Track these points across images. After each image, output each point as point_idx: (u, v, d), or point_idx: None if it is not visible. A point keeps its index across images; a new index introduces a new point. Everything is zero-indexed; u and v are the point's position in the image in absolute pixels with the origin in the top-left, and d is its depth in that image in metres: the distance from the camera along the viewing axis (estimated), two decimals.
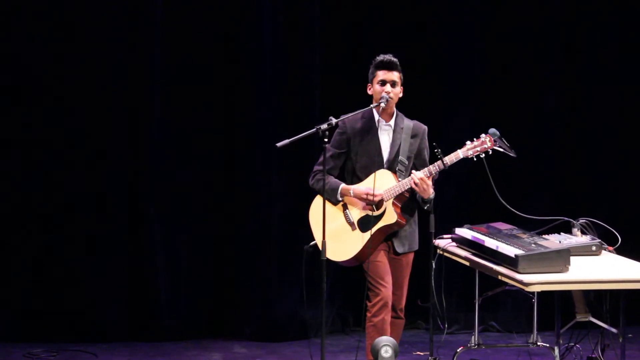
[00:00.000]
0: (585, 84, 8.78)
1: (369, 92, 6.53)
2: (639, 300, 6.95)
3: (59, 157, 8.20)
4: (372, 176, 6.35)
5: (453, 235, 6.64)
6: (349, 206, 6.45)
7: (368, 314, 6.36)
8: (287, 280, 8.40)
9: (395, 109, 6.52)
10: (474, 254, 6.33)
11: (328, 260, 6.15)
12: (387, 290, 6.35)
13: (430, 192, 6.34)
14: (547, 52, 8.69)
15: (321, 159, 6.28)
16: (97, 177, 8.24)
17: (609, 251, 6.43)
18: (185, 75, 8.35)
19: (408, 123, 6.53)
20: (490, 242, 6.13)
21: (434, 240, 6.57)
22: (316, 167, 6.52)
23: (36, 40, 8.14)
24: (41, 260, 8.19)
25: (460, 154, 6.32)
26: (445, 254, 6.68)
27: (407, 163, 6.46)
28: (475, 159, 6.33)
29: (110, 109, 8.26)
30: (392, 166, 6.45)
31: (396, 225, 6.39)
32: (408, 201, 6.45)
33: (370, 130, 6.48)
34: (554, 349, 6.83)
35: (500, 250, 5.98)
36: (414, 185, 6.30)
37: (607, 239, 6.47)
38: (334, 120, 6.18)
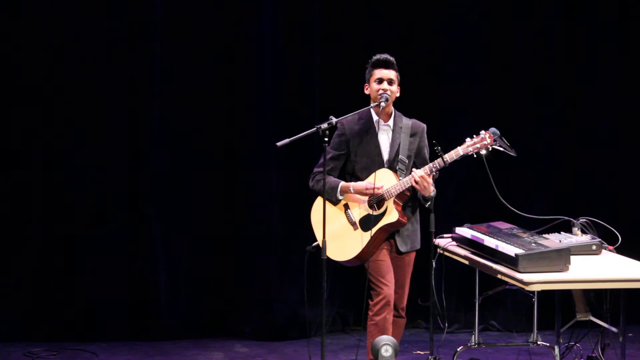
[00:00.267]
0: (585, 84, 8.78)
1: (366, 92, 6.53)
2: (639, 299, 6.96)
3: (59, 157, 8.20)
4: (372, 175, 6.35)
5: (453, 235, 6.64)
6: (350, 206, 6.45)
7: (370, 313, 6.36)
8: (287, 279, 8.40)
9: (393, 108, 6.53)
10: (474, 253, 6.33)
11: (328, 259, 6.16)
12: (389, 289, 6.35)
13: (431, 190, 6.34)
14: (547, 52, 8.69)
15: (321, 160, 6.28)
16: (97, 177, 8.24)
17: (609, 250, 6.43)
18: (185, 75, 8.34)
19: (407, 122, 6.53)
20: (490, 241, 6.13)
21: (434, 240, 6.57)
22: (316, 169, 6.52)
23: (36, 40, 8.14)
24: (41, 260, 8.19)
25: (460, 150, 6.32)
26: (446, 253, 6.68)
27: (407, 162, 6.46)
28: (475, 156, 6.33)
29: (110, 109, 8.26)
30: (392, 166, 6.45)
31: (398, 224, 6.39)
32: (409, 200, 6.46)
33: (369, 130, 6.48)
34: (554, 348, 6.85)
35: (500, 249, 5.98)
36: (414, 184, 6.30)
37: (607, 238, 6.47)
38: (334, 120, 6.18)
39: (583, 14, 8.75)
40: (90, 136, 8.24)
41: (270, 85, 8.42)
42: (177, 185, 8.37)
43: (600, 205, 8.36)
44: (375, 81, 6.46)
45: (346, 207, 6.46)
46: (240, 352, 8.07)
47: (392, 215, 6.36)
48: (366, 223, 6.37)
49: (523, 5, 8.68)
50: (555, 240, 6.18)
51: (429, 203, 6.39)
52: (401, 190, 6.36)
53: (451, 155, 6.32)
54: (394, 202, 6.37)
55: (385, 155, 6.47)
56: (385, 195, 6.36)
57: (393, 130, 6.49)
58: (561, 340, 6.90)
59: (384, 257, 6.43)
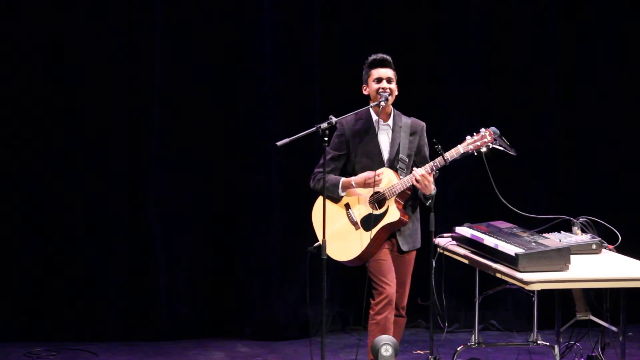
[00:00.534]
0: (585, 84, 8.78)
1: (365, 93, 6.53)
2: (639, 298, 6.95)
3: (59, 157, 8.20)
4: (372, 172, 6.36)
5: (453, 234, 6.64)
6: (351, 206, 6.45)
7: (371, 312, 6.36)
8: (288, 279, 8.40)
9: (392, 107, 6.53)
10: (474, 253, 6.33)
11: (329, 259, 6.16)
12: (391, 288, 6.35)
13: (432, 189, 6.34)
14: (547, 51, 8.69)
15: (321, 161, 6.28)
16: (97, 177, 8.24)
17: (609, 250, 6.43)
18: (185, 75, 8.34)
19: (406, 121, 6.53)
20: (490, 241, 6.13)
21: (434, 239, 6.57)
22: (316, 170, 6.52)
23: (35, 40, 8.14)
24: (41, 260, 8.19)
25: (460, 149, 6.32)
26: (446, 252, 6.68)
27: (407, 161, 6.46)
28: (476, 154, 6.33)
29: (110, 109, 8.26)
30: (392, 165, 6.45)
31: (399, 223, 6.39)
32: (410, 199, 6.46)
33: (369, 130, 6.48)
34: (554, 348, 6.85)
35: (500, 248, 5.99)
36: (415, 182, 6.30)
37: (607, 238, 6.47)
38: (334, 119, 6.18)
39: (583, 13, 8.74)
40: (90, 136, 8.24)
41: (270, 85, 8.41)
42: (177, 185, 8.37)
43: (600, 204, 8.37)
44: (373, 81, 6.46)
45: (347, 207, 6.46)
46: (241, 352, 8.07)
47: (393, 214, 6.36)
48: (368, 222, 6.37)
49: (523, 5, 8.68)
50: (555, 239, 6.18)
51: (430, 201, 6.39)
52: (402, 189, 6.36)
53: (452, 154, 6.32)
54: (395, 201, 6.37)
55: (386, 155, 6.48)
56: (387, 195, 6.36)
57: (393, 130, 6.49)
58: (561, 340, 6.89)
59: (385, 256, 6.43)
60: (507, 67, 8.72)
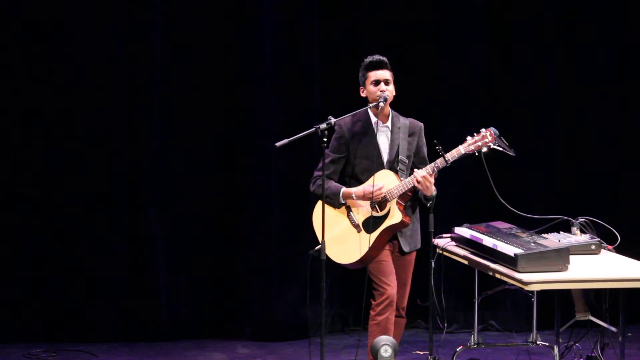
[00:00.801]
0: (585, 84, 8.78)
1: (363, 95, 6.51)
2: (639, 298, 6.96)
3: (59, 157, 8.20)
4: (371, 178, 6.34)
5: (452, 235, 6.64)
6: (352, 208, 6.44)
7: (372, 313, 6.35)
8: (288, 280, 8.40)
9: (390, 109, 6.52)
10: (473, 253, 6.33)
11: (328, 260, 6.16)
12: (392, 289, 6.35)
13: (433, 190, 6.34)
14: (547, 51, 8.69)
15: (320, 164, 6.27)
16: (97, 176, 8.24)
17: (609, 250, 6.43)
18: (184, 76, 8.35)
19: (404, 121, 6.52)
20: (489, 241, 6.13)
21: (433, 240, 6.57)
22: (316, 173, 6.50)
23: (35, 39, 8.14)
24: (41, 260, 8.19)
25: (461, 149, 6.31)
26: (445, 253, 6.68)
27: (407, 162, 6.46)
28: (476, 154, 6.33)
29: (111, 109, 8.26)
30: (392, 167, 6.45)
31: (401, 224, 6.38)
32: (410, 199, 6.45)
33: (368, 132, 6.47)
34: (553, 348, 6.85)
35: (499, 249, 5.98)
36: (416, 184, 6.29)
37: (606, 238, 6.47)
38: (333, 120, 6.18)
39: (583, 13, 8.74)
40: (90, 136, 8.24)
41: (269, 85, 8.41)
42: (177, 185, 8.37)
43: (599, 205, 8.36)
44: (371, 83, 6.44)
45: (348, 209, 6.45)
46: (241, 353, 8.07)
47: (395, 216, 6.35)
48: (369, 225, 6.36)
49: (523, 5, 8.68)
50: (554, 240, 6.18)
51: (431, 202, 6.39)
52: (404, 191, 6.36)
53: (453, 154, 6.31)
54: (397, 202, 6.36)
55: (385, 157, 6.47)
56: (388, 197, 6.35)
57: (392, 131, 6.48)
58: (560, 340, 6.90)
59: (386, 257, 6.42)
60: (507, 67, 8.72)
